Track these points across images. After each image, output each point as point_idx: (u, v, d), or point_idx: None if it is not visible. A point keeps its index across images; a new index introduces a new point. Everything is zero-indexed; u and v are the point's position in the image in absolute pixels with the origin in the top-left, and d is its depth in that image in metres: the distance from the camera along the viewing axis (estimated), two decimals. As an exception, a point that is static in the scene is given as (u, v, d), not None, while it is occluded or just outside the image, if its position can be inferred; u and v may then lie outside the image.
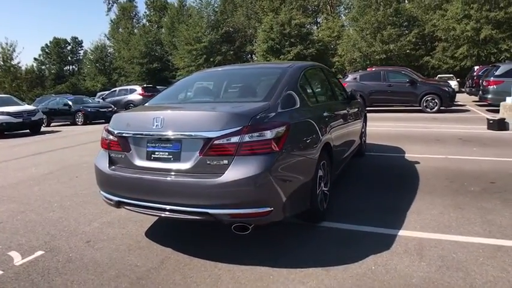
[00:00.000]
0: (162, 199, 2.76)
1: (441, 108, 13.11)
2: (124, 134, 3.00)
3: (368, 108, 14.27)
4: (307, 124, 3.21)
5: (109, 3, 61.48)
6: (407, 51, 33.00)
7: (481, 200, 4.05)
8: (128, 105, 19.50)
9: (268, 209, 2.61)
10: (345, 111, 4.60)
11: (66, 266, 2.88)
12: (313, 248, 3.06)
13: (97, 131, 13.73)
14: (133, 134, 2.95)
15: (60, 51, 63.71)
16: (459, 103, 14.26)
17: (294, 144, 2.87)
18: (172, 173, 2.75)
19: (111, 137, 3.09)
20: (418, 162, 5.81)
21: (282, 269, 2.70)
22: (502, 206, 3.85)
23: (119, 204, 3.03)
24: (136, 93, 19.82)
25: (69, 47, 65.17)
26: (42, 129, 15.15)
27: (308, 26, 43.43)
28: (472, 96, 17.08)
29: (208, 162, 2.64)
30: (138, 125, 2.97)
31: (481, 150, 6.62)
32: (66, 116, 17.70)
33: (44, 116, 16.11)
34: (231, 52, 43.58)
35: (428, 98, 13.27)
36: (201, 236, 3.40)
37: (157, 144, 2.85)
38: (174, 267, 2.79)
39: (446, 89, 13.41)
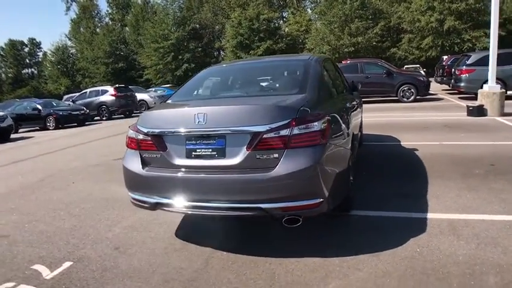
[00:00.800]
0: (209, 197, 2.69)
1: (417, 97, 13.58)
2: (159, 133, 2.87)
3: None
4: (339, 115, 3.22)
5: (67, 2, 58.81)
6: (375, 43, 33.92)
7: (489, 182, 4.24)
8: (100, 107, 18.85)
9: (319, 200, 2.62)
10: (354, 102, 4.67)
11: (104, 275, 2.73)
12: (353, 236, 3.10)
13: (74, 134, 13.22)
14: (170, 132, 2.84)
15: (16, 54, 60.52)
16: (431, 92, 14.84)
17: (333, 136, 2.88)
18: (218, 170, 2.68)
19: (141, 136, 2.95)
20: (416, 149, 5.99)
21: (333, 258, 2.72)
22: (510, 186, 4.04)
23: (155, 206, 2.91)
24: (108, 94, 19.11)
25: (26, 49, 62.01)
26: (11, 136, 14.34)
27: (276, 21, 43.68)
28: (443, 85, 17.82)
29: (258, 157, 2.60)
30: (175, 122, 2.85)
31: (468, 136, 6.93)
32: (36, 121, 16.81)
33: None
34: (199, 49, 43.07)
35: (405, 88, 13.71)
36: (235, 233, 3.35)
37: (198, 141, 2.76)
38: (222, 265, 2.73)
39: (422, 79, 13.94)
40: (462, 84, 12.83)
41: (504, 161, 5.05)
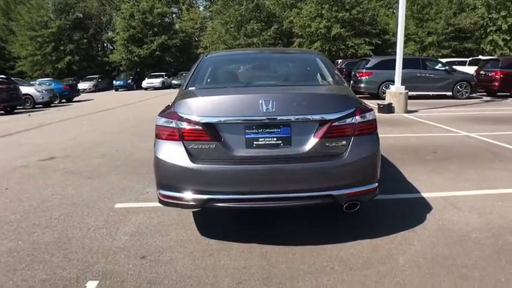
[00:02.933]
0: (274, 188, 2.56)
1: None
2: (212, 121, 2.57)
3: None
4: None
5: None
6: (269, 45, 35.61)
7: (444, 165, 4.96)
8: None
9: (376, 185, 2.75)
10: None
11: None
12: (377, 219, 3.33)
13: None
14: (228, 121, 2.58)
15: None
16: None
17: None
18: (284, 160, 2.56)
19: (186, 125, 2.60)
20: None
21: (382, 238, 2.90)
22: (462, 168, 4.80)
23: (205, 204, 2.62)
24: (-18, 87, 15.92)
25: None
26: None
27: (170, 16, 42.39)
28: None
29: (327, 144, 2.59)
30: (235, 109, 2.60)
31: (394, 129, 7.92)
32: None
33: None
34: (85, 40, 39.07)
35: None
36: (264, 225, 3.22)
37: (260, 130, 2.58)
38: (284, 258, 2.61)
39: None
40: (362, 85, 14.48)
41: (441, 149, 5.95)
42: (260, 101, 2.56)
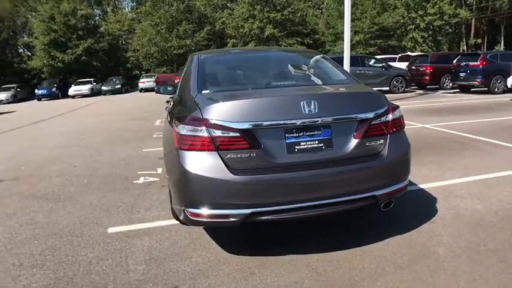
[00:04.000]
0: (320, 194, 2.41)
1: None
2: (250, 127, 2.34)
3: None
4: None
5: None
6: (202, 47, 35.13)
7: (424, 157, 5.20)
8: None
9: (408, 181, 2.78)
10: None
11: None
12: (395, 213, 3.35)
13: None
14: (268, 125, 2.36)
15: None
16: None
17: None
18: (329, 163, 2.45)
19: (220, 132, 2.33)
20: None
21: (416, 230, 2.97)
22: (441, 159, 5.08)
23: (247, 219, 2.37)
24: None
25: None
26: None
27: (94, 19, 39.75)
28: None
29: (367, 144, 2.54)
30: (273, 112, 2.39)
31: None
32: None
33: None
34: (-4, 45, 35.10)
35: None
36: (284, 234, 3.04)
37: (301, 134, 2.42)
38: (329, 267, 2.48)
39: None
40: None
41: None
42: (301, 102, 2.41)
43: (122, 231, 3.31)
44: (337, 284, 2.30)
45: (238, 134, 2.34)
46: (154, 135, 8.14)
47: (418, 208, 3.44)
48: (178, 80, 5.30)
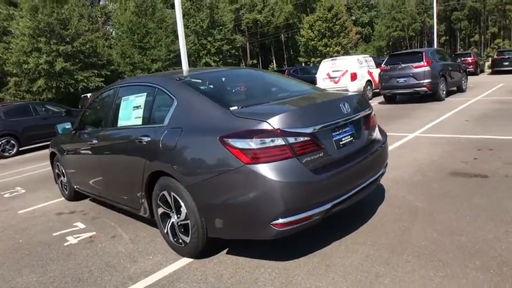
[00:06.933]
0: (362, 180, 2.91)
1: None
2: (314, 130, 2.57)
3: (26, 148, 12.31)
4: None
5: None
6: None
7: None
8: None
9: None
10: None
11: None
12: None
13: None
14: (323, 127, 2.65)
15: None
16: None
17: None
18: (359, 153, 2.94)
19: (293, 139, 2.45)
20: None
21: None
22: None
23: (326, 213, 2.59)
24: None
25: None
26: None
27: None
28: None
29: (371, 133, 3.20)
30: (325, 115, 2.72)
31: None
32: None
33: None
34: None
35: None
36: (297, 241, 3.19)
37: (340, 131, 2.82)
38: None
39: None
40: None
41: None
42: (340, 104, 2.84)
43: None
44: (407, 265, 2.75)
45: (308, 138, 2.52)
46: (6, 195, 6.31)
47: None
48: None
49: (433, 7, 29.50)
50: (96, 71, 29.73)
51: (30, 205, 5.38)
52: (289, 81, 4.15)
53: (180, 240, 2.98)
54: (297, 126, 2.50)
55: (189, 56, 34.01)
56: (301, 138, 2.49)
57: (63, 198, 5.42)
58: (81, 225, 4.23)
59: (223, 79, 3.64)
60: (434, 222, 3.10)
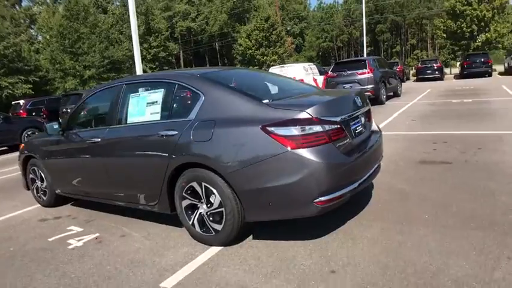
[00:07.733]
0: (373, 164, 3.36)
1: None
2: (342, 119, 2.96)
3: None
4: None
5: None
6: None
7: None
8: None
9: None
10: None
11: None
12: None
13: None
14: (346, 117, 3.04)
15: None
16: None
17: None
18: (367, 140, 3.39)
19: (328, 126, 2.80)
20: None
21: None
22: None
23: (354, 190, 2.95)
24: None
25: None
26: None
27: None
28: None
29: (372, 125, 3.69)
30: (346, 107, 3.14)
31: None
32: None
33: None
34: None
35: (29, 132, 12.55)
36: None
37: (355, 121, 3.21)
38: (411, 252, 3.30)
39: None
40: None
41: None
42: (354, 98, 3.28)
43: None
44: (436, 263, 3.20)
45: (338, 126, 2.90)
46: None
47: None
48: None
49: (359, 20, 32.32)
50: (23, 77, 27.37)
51: (1, 214, 4.98)
52: (294, 81, 4.60)
53: (211, 230, 3.10)
54: (329, 115, 2.85)
55: (123, 62, 33.06)
56: (333, 126, 2.85)
57: (37, 205, 5.10)
58: (77, 229, 4.08)
59: (234, 78, 3.82)
60: (426, 199, 3.63)
